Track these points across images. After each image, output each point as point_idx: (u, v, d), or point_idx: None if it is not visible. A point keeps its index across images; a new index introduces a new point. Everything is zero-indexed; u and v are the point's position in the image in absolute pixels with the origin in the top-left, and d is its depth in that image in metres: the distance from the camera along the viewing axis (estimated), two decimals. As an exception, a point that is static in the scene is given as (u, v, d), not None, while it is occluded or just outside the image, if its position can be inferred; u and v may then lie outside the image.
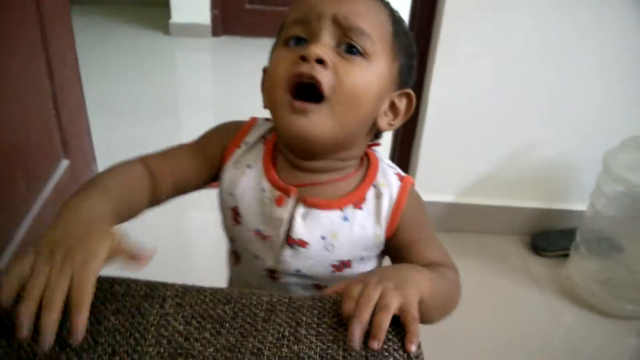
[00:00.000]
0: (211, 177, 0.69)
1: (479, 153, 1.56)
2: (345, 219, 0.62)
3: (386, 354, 0.44)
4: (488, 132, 1.53)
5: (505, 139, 1.54)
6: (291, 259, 0.63)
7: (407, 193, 0.64)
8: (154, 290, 0.48)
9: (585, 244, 1.46)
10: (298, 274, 0.65)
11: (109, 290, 0.48)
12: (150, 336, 0.44)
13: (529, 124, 1.52)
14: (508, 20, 1.38)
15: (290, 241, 0.62)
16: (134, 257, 0.46)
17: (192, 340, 0.44)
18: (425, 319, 0.50)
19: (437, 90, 1.47)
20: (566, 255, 1.55)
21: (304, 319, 0.46)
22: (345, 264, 0.64)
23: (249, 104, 3.11)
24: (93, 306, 0.43)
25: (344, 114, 0.57)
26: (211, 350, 0.43)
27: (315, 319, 0.46)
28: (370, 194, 0.64)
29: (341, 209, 0.62)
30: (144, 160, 0.66)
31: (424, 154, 1.56)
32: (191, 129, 2.48)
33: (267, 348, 0.44)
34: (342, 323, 0.46)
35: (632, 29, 1.38)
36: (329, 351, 0.44)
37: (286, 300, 0.48)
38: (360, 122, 0.60)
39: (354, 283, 0.48)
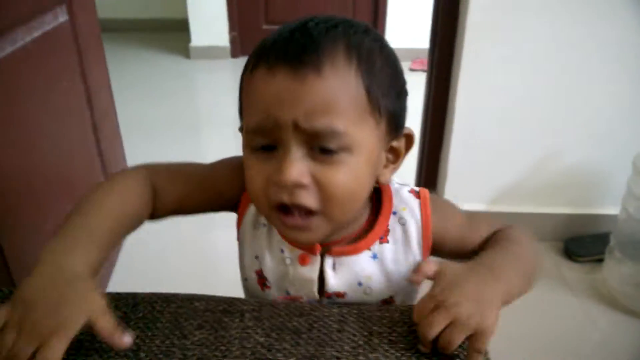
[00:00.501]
0: (221, 210, 0.65)
1: (507, 161, 1.59)
2: (375, 256, 0.60)
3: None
4: (515, 140, 1.55)
5: (533, 145, 1.56)
6: None
7: (429, 209, 0.61)
8: (231, 306, 0.51)
9: (619, 247, 1.46)
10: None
11: (189, 307, 0.51)
12: (234, 348, 0.47)
13: (555, 130, 1.54)
14: (531, 27, 1.40)
15: (327, 295, 0.60)
16: (110, 336, 0.44)
17: (274, 351, 0.47)
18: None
19: (463, 100, 1.50)
20: (600, 260, 1.55)
21: (375, 328, 0.49)
22: (389, 301, 0.61)
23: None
24: (177, 321, 0.47)
25: (341, 213, 0.53)
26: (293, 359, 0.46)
27: (386, 328, 0.49)
28: (393, 222, 0.61)
29: (369, 249, 0.60)
30: (151, 174, 0.62)
31: (452, 164, 1.59)
32: (216, 146, 2.55)
33: (344, 357, 0.47)
34: (411, 331, 0.49)
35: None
36: (403, 358, 0.46)
37: (355, 312, 0.51)
38: (360, 204, 0.56)
39: (433, 298, 0.47)
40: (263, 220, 0.61)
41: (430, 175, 1.71)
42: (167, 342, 0.48)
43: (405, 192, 0.62)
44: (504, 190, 1.62)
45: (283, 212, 0.52)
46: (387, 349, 0.47)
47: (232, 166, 0.63)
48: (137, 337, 0.48)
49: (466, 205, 1.62)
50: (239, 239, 0.65)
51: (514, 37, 1.42)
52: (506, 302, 0.50)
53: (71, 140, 1.32)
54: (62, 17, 1.28)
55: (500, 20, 1.40)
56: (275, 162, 0.50)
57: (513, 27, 1.40)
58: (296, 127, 0.48)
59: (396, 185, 0.63)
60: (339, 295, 0.59)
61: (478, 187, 1.63)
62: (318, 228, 0.52)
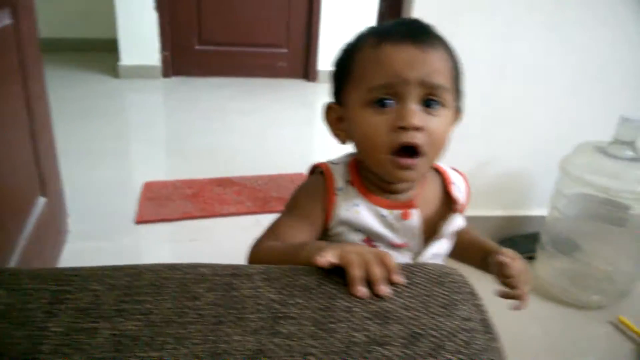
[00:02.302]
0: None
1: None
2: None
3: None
4: (451, 146, 1.65)
5: (468, 152, 1.67)
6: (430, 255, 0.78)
7: (469, 187, 0.85)
8: (238, 269, 0.52)
9: (550, 244, 1.59)
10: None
11: (196, 272, 0.52)
12: (249, 306, 0.48)
13: (489, 137, 1.66)
14: (463, 39, 1.51)
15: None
16: (394, 272, 0.54)
17: (288, 305, 0.48)
18: None
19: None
20: (531, 258, 1.67)
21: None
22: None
23: (203, 141, 3.16)
24: (185, 286, 0.48)
25: (435, 156, 0.71)
26: (308, 312, 0.48)
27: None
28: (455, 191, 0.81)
29: None
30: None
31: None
32: (150, 164, 2.49)
33: (355, 306, 0.49)
34: (415, 282, 0.52)
35: (575, 43, 1.56)
36: (411, 305, 0.49)
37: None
38: (444, 151, 0.73)
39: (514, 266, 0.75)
40: (352, 202, 0.73)
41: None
42: (179, 304, 0.48)
43: (451, 171, 0.85)
44: (445, 195, 1.71)
45: (397, 154, 0.66)
46: (396, 298, 0.50)
47: (303, 195, 0.76)
48: (146, 301, 0.48)
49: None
50: (331, 234, 0.74)
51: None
52: None
53: (10, 146, 1.26)
54: (7, 19, 1.24)
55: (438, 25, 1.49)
56: (394, 112, 0.66)
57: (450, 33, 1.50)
58: (422, 83, 0.66)
59: (445, 166, 0.84)
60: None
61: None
62: (419, 168, 0.68)
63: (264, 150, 2.57)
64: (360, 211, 0.73)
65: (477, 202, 1.78)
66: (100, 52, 3.97)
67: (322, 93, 3.61)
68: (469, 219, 1.87)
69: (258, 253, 0.70)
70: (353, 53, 0.72)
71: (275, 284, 0.51)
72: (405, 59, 0.66)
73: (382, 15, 1.59)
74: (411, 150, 0.66)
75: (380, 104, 0.67)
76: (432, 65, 0.67)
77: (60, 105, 3.04)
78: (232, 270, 0.52)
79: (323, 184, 0.74)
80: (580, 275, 1.56)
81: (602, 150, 1.44)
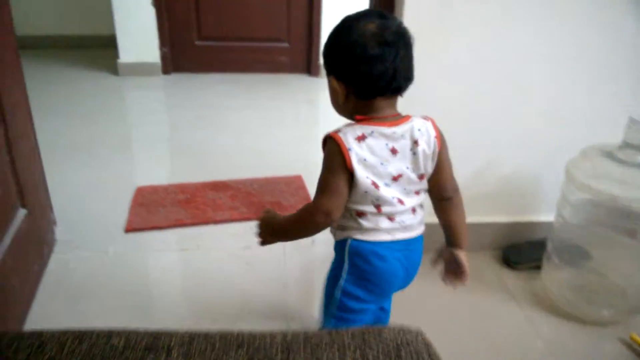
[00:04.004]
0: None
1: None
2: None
3: None
4: (453, 150, 1.55)
5: (470, 157, 1.57)
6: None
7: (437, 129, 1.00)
8: (157, 340, 0.44)
9: (556, 253, 1.49)
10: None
11: (106, 345, 0.44)
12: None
13: (492, 140, 1.56)
14: (467, 34, 1.41)
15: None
16: None
17: (208, 390, 0.40)
18: None
19: (400, 110, 1.49)
20: (538, 267, 1.58)
21: (325, 355, 0.44)
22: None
23: (204, 135, 3.10)
24: None
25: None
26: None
27: (337, 353, 0.44)
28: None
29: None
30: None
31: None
32: (146, 165, 2.44)
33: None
34: (362, 355, 0.43)
35: (583, 44, 1.45)
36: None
37: (302, 338, 0.45)
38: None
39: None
40: (363, 155, 0.90)
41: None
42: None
43: (418, 118, 0.98)
44: (444, 201, 1.62)
45: None
46: (338, 379, 0.42)
47: (330, 159, 0.92)
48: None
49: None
50: (359, 179, 0.90)
51: (449, 44, 1.42)
52: None
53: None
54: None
55: (435, 27, 1.39)
56: None
57: (448, 34, 1.40)
58: None
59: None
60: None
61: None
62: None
63: (262, 150, 2.49)
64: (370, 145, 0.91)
65: (481, 208, 1.69)
66: (100, 49, 3.91)
67: (324, 88, 3.51)
68: (473, 225, 1.78)
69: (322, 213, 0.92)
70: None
71: None
72: None
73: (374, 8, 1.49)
74: None
75: None
76: None
77: (56, 104, 3.01)
78: (150, 340, 0.44)
79: (339, 150, 0.89)
80: (589, 288, 1.46)
81: (609, 154, 1.33)
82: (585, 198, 1.39)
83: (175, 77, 3.54)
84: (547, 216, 1.61)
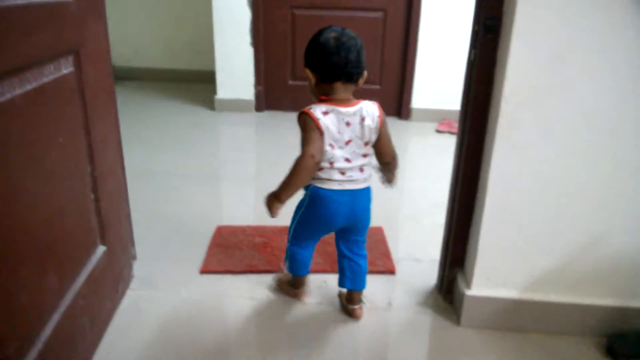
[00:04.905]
0: None
1: (546, 243, 1.42)
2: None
3: None
4: (555, 220, 1.39)
5: (575, 227, 1.40)
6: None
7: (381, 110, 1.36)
8: None
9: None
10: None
11: None
12: None
13: (601, 211, 1.38)
14: (570, 103, 1.27)
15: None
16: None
17: None
18: None
19: (497, 174, 1.36)
20: (650, 364, 1.35)
21: None
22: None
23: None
24: None
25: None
26: None
27: None
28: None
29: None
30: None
31: (483, 246, 1.42)
32: (229, 202, 2.44)
33: None
34: None
35: None
36: None
37: None
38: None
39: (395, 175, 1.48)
40: (326, 124, 1.29)
41: (457, 253, 1.55)
42: None
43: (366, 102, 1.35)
44: (541, 277, 1.45)
45: None
46: None
47: (307, 126, 1.29)
48: None
49: (498, 292, 1.46)
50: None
51: (555, 106, 1.28)
52: None
53: (62, 201, 1.21)
54: (66, 68, 1.20)
55: (534, 97, 1.27)
56: None
57: (554, 93, 1.27)
58: None
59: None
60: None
61: (512, 271, 1.46)
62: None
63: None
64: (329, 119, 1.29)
65: (586, 287, 1.48)
66: (201, 84, 4.09)
67: (415, 132, 3.40)
68: (575, 307, 1.55)
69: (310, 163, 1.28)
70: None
71: None
72: None
73: (471, 63, 1.39)
74: None
75: None
76: None
77: (151, 134, 3.14)
78: None
79: (312, 118, 1.27)
80: None
81: None
82: None
83: (267, 115, 3.61)
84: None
